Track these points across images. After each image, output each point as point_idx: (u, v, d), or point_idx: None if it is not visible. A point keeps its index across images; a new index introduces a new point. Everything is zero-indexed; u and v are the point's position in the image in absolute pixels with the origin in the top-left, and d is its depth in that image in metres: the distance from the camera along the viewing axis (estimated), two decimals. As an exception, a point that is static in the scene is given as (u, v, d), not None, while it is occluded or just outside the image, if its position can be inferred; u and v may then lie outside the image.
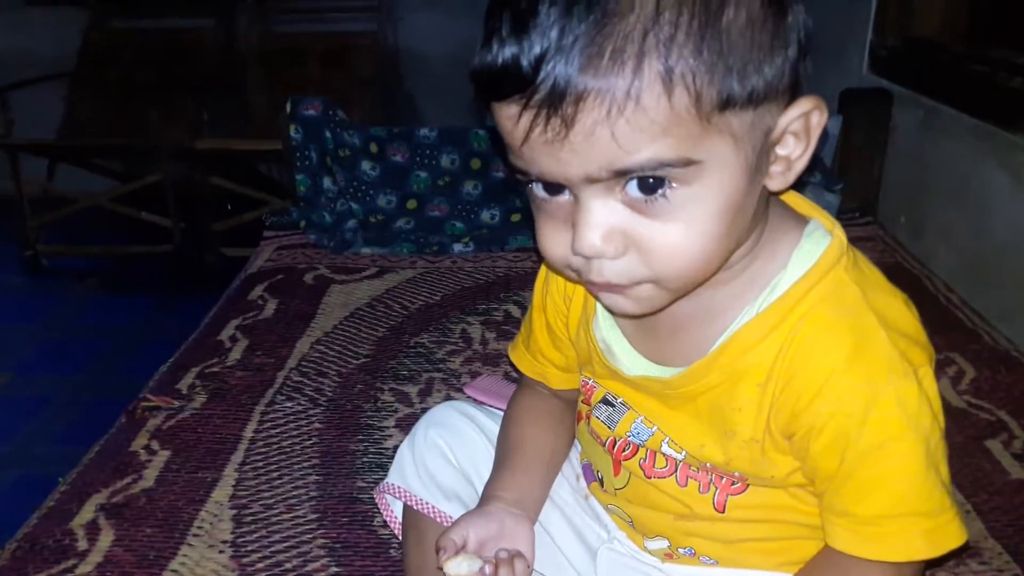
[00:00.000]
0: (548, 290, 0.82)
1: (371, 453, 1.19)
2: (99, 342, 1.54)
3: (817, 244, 0.67)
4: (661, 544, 0.77)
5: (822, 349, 0.64)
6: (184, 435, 1.24)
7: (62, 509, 1.08)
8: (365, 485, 1.12)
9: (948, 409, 0.81)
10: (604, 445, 0.78)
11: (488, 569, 0.76)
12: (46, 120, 3.12)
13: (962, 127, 1.72)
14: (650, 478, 0.75)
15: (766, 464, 0.68)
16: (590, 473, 0.85)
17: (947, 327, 1.49)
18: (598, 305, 0.76)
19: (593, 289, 0.63)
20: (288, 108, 2.01)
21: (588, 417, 0.80)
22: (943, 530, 0.65)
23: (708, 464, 0.70)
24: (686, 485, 0.73)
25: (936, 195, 1.83)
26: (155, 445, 1.22)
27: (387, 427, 1.26)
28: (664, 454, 0.73)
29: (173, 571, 0.98)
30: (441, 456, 0.93)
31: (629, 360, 0.73)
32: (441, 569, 0.78)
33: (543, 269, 0.84)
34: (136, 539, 1.03)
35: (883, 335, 0.63)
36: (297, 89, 2.75)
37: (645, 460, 0.75)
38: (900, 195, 1.97)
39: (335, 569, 0.99)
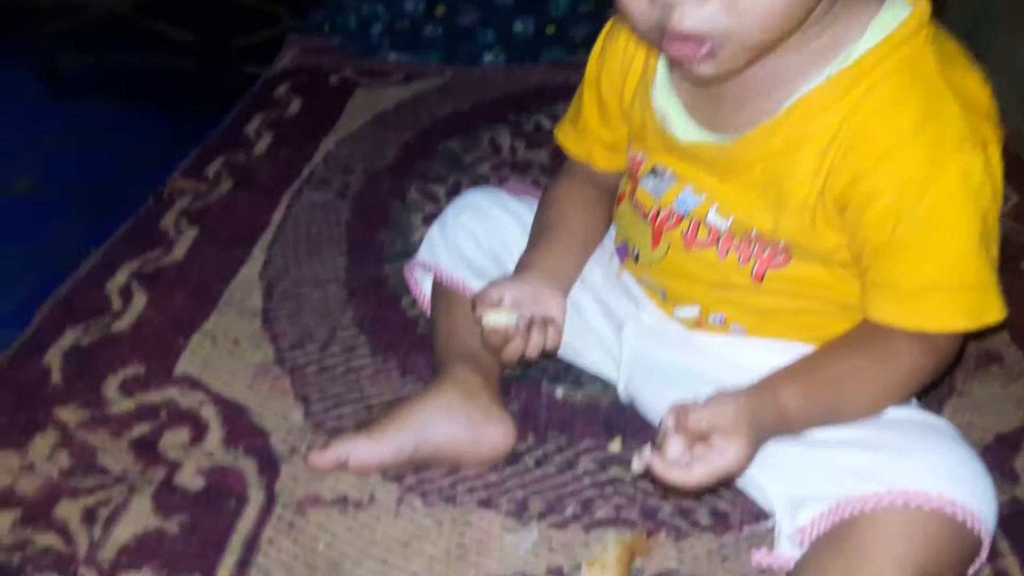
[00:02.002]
0: (604, 60, 0.80)
1: (399, 244, 1.20)
2: (121, 151, 1.51)
3: (897, 15, 0.64)
4: (691, 312, 0.78)
5: (890, 115, 0.62)
6: (212, 216, 1.24)
7: (94, 275, 1.10)
8: (392, 271, 1.13)
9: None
10: (647, 217, 0.78)
11: (522, 324, 0.78)
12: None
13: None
14: (690, 248, 0.75)
15: (814, 236, 0.68)
16: (624, 252, 0.85)
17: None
18: (658, 72, 0.74)
19: (672, 48, 0.61)
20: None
21: (633, 192, 0.80)
22: (986, 305, 0.65)
23: (754, 232, 0.70)
24: (726, 256, 0.73)
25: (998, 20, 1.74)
26: (184, 224, 1.22)
27: (415, 222, 1.26)
28: (708, 224, 0.73)
29: (205, 332, 1.01)
30: (472, 239, 0.93)
31: (685, 128, 0.72)
32: (477, 323, 0.79)
33: (599, 41, 0.81)
34: (169, 303, 1.05)
35: (955, 107, 0.62)
36: None
37: (687, 231, 0.75)
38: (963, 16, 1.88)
39: (364, 339, 1.01)
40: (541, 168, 1.42)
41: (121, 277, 1.10)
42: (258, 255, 1.16)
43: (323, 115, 1.60)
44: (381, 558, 0.74)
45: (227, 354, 0.98)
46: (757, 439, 0.63)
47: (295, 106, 1.64)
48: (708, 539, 0.76)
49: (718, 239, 0.73)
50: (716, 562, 0.74)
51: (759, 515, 0.76)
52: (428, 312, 0.98)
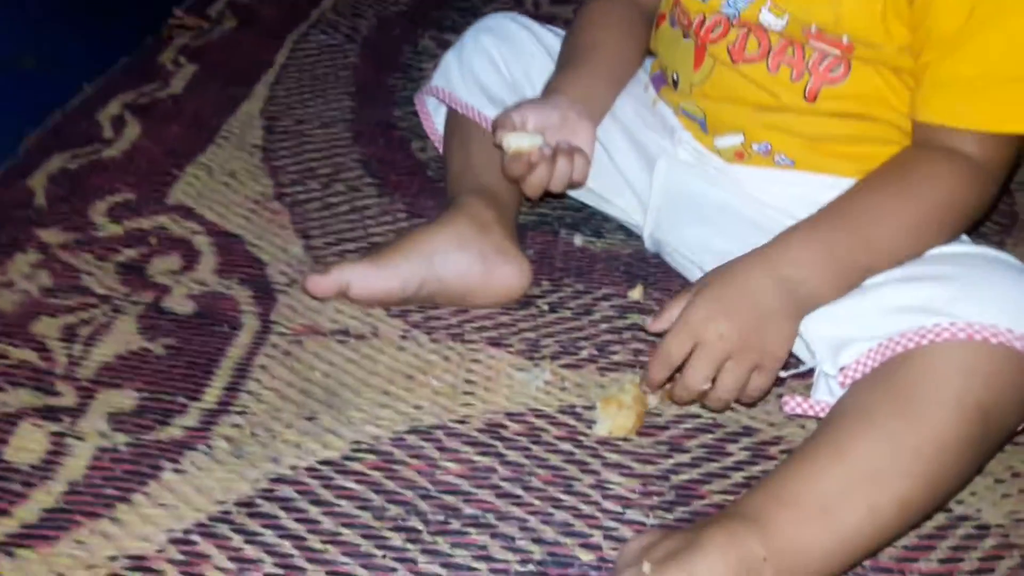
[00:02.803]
0: None
1: (409, 89, 1.12)
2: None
3: None
4: (734, 140, 0.71)
5: None
6: (213, 54, 1.16)
7: (87, 106, 1.03)
8: (402, 115, 1.06)
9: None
10: (690, 30, 0.69)
11: (547, 150, 0.71)
12: None
13: None
14: (737, 63, 0.67)
15: (879, 29, 0.60)
16: (662, 80, 0.78)
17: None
18: None
19: None
20: None
21: (676, 2, 0.71)
22: None
23: (813, 28, 0.62)
24: (777, 71, 0.65)
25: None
26: (183, 59, 1.14)
27: (426, 67, 1.17)
28: (762, 25, 0.65)
29: (202, 163, 0.94)
30: (491, 63, 0.85)
31: None
32: (497, 147, 0.72)
33: None
34: (163, 134, 0.98)
35: None
36: None
37: (735, 44, 0.67)
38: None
39: (369, 179, 0.94)
40: (565, 24, 1.33)
41: (114, 107, 1.03)
42: (260, 92, 1.09)
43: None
44: (382, 388, 0.69)
45: (223, 186, 0.91)
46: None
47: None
48: (733, 384, 0.71)
49: (769, 51, 0.65)
50: (741, 407, 0.69)
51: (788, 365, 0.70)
52: (440, 147, 0.91)
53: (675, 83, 0.75)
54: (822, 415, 0.62)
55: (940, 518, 0.60)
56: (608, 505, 0.61)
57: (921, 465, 0.52)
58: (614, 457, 0.64)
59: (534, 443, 0.65)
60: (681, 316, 0.60)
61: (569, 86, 0.77)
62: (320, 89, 1.11)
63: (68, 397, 0.65)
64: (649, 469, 0.64)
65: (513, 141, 0.71)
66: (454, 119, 0.86)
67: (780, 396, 0.67)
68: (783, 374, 0.64)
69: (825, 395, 0.62)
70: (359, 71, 1.16)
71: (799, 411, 0.63)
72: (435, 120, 0.91)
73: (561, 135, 0.73)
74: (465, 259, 0.73)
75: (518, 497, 0.61)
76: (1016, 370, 0.54)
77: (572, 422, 0.67)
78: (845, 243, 0.61)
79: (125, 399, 0.66)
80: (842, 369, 0.60)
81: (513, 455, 0.64)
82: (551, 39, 0.86)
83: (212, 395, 0.67)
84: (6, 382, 0.67)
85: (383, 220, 0.88)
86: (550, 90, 0.77)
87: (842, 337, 0.60)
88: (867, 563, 0.57)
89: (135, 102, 1.04)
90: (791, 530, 0.51)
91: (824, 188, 0.68)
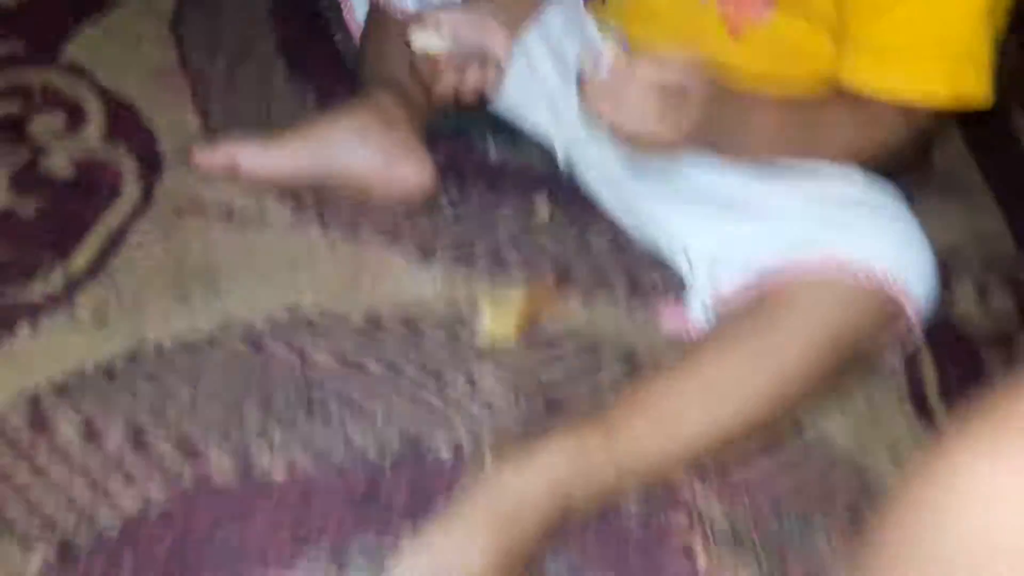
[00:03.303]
0: None
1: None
2: None
3: None
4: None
5: None
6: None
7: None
8: (329, 3, 1.00)
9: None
10: None
11: (457, 58, 0.68)
12: None
13: None
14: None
15: None
16: (588, -9, 0.75)
17: None
18: None
19: None
20: None
21: None
22: (971, 78, 0.58)
23: None
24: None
25: None
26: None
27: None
28: None
29: (102, 25, 0.88)
30: (415, -47, 0.81)
31: None
32: (407, 46, 0.69)
33: None
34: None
35: None
36: None
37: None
38: None
39: (282, 61, 0.89)
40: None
41: (13, -44, 0.95)
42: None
43: None
44: (262, 272, 0.66)
45: (124, 49, 0.86)
46: (711, 117, 0.55)
47: None
48: (619, 299, 0.71)
49: None
50: (625, 324, 0.68)
51: (678, 287, 0.70)
52: (357, 41, 0.87)
53: (603, -1, 0.73)
54: (694, 333, 0.63)
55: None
56: (475, 409, 0.60)
57: (769, 388, 0.54)
58: (490, 366, 0.64)
59: (416, 337, 0.64)
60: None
61: None
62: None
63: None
64: (524, 380, 0.63)
65: (421, 41, 0.68)
66: (374, 12, 0.82)
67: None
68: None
69: (698, 312, 0.63)
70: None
71: (672, 326, 0.64)
72: (357, 15, 0.86)
73: (475, 40, 0.70)
74: (365, 152, 0.71)
75: (387, 388, 0.60)
76: (875, 308, 0.55)
77: (456, 326, 0.66)
78: (789, 124, 0.61)
79: (-16, 255, 0.62)
80: (717, 296, 0.60)
81: (390, 345, 0.62)
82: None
83: (81, 259, 0.64)
84: None
85: (289, 105, 0.84)
86: None
87: (722, 259, 0.60)
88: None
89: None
90: (635, 432, 0.52)
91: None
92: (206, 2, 0.95)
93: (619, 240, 0.76)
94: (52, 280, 0.61)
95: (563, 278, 0.72)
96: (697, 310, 0.62)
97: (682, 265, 0.65)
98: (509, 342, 0.65)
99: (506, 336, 0.65)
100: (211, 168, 0.69)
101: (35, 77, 0.79)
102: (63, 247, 0.64)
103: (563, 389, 0.63)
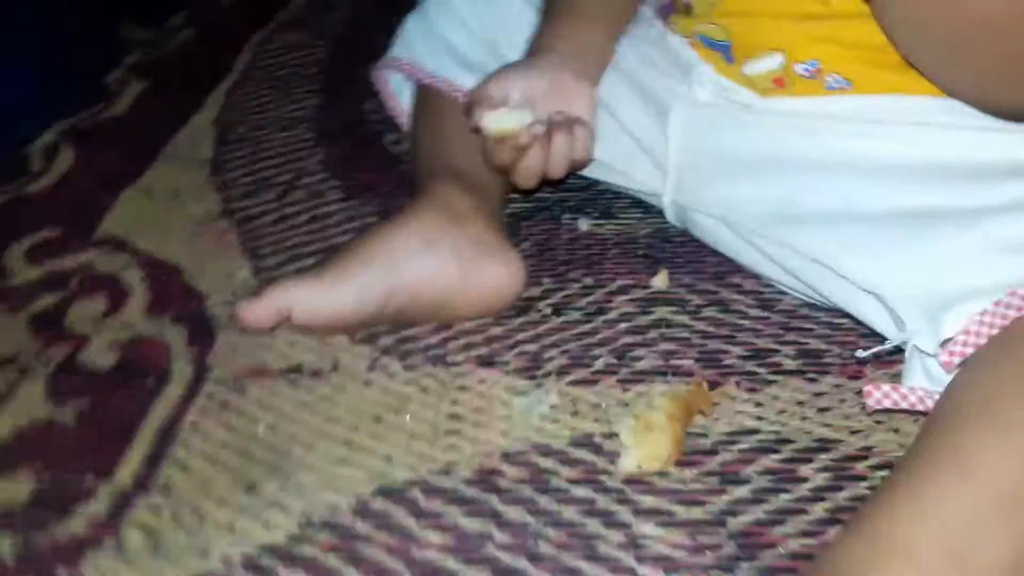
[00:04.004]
0: None
1: (384, 78, 0.97)
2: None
3: None
4: (771, 64, 0.55)
5: None
6: (166, 68, 1.03)
7: (20, 139, 0.90)
8: (374, 107, 0.91)
9: None
10: None
11: (540, 128, 0.56)
12: None
13: None
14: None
15: None
16: (670, 7, 0.62)
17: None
18: None
19: None
20: None
21: None
22: None
23: None
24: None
25: None
26: (132, 78, 1.01)
27: (404, 52, 1.02)
28: None
29: (140, 187, 0.80)
30: (459, 21, 0.70)
31: None
32: (475, 131, 0.57)
33: None
34: (100, 160, 0.85)
35: None
36: None
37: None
38: None
39: (334, 182, 0.79)
40: None
41: (48, 137, 0.90)
42: (214, 102, 0.95)
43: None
44: (343, 438, 0.53)
45: (163, 209, 0.77)
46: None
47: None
48: (797, 385, 0.54)
49: None
50: (811, 414, 0.52)
51: (868, 347, 0.53)
52: (406, 124, 0.76)
53: (688, 8, 0.59)
54: (922, 408, 0.45)
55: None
56: (646, 571, 0.44)
57: None
58: (648, 500, 0.48)
59: (541, 492, 0.49)
60: None
61: (558, 39, 0.62)
62: (282, 91, 0.97)
63: (-54, 492, 0.52)
64: (698, 513, 0.47)
65: (494, 121, 0.56)
66: (421, 93, 0.71)
67: (860, 392, 0.50)
68: (860, 353, 0.47)
69: (923, 380, 0.46)
70: (327, 68, 1.02)
71: (888, 405, 0.47)
72: (401, 98, 0.76)
73: (555, 105, 0.58)
74: (437, 260, 0.58)
75: (523, 573, 0.45)
76: None
77: (590, 457, 0.51)
78: None
79: (17, 487, 0.52)
80: (945, 344, 0.43)
81: (514, 512, 0.48)
82: (531, -20, 0.71)
83: (128, 470, 0.52)
84: None
85: (350, 227, 0.73)
86: (535, 48, 0.63)
87: (941, 294, 0.43)
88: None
89: (73, 128, 0.91)
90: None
91: (888, 115, 0.52)
92: (246, 140, 0.87)
93: (770, 304, 0.60)
94: (95, 504, 0.50)
95: (713, 367, 0.56)
96: (917, 374, 0.45)
97: (878, 318, 0.49)
98: (665, 469, 0.49)
99: (659, 460, 0.49)
100: (261, 324, 0.57)
101: (71, 262, 0.71)
102: (108, 458, 0.53)
103: (754, 516, 0.47)
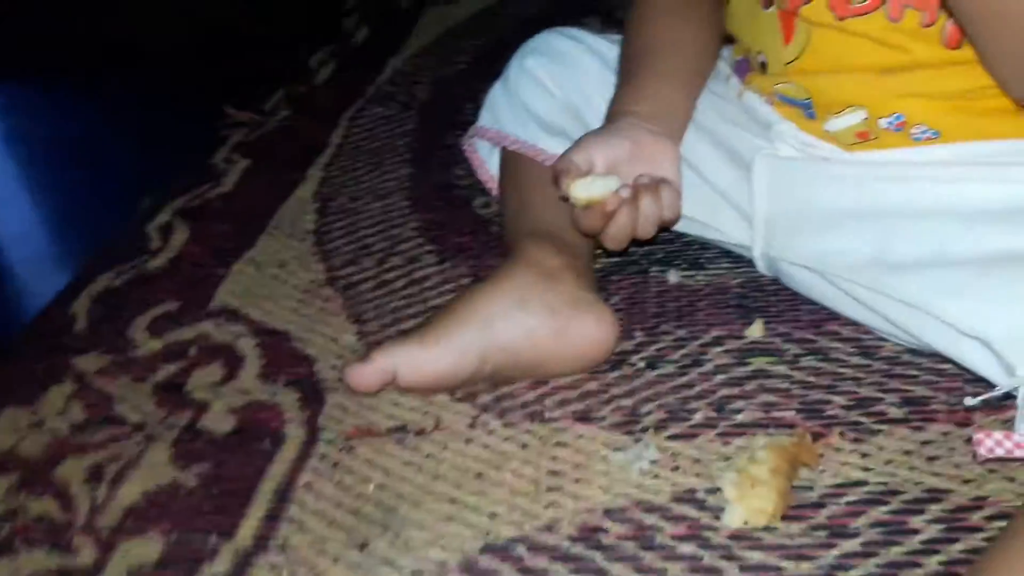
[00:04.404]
0: None
1: (472, 144, 1.01)
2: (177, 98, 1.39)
3: None
4: (853, 119, 0.55)
5: None
6: (267, 146, 1.10)
7: (138, 219, 0.97)
8: (463, 173, 0.94)
9: None
10: None
11: (626, 192, 0.57)
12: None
13: None
14: (843, 19, 0.52)
15: None
16: (745, 66, 0.63)
17: None
18: None
19: None
20: None
21: None
22: None
23: None
24: (901, 18, 0.50)
25: None
26: (236, 156, 1.08)
27: (490, 119, 1.06)
28: None
29: (250, 259, 0.85)
30: (540, 88, 0.73)
31: None
32: (563, 199, 0.59)
33: None
34: (211, 235, 0.91)
35: None
36: None
37: (836, -4, 0.52)
38: None
39: (428, 247, 0.83)
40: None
41: (164, 216, 0.96)
42: (313, 176, 1.01)
43: (391, 37, 1.43)
44: (447, 496, 0.55)
45: (271, 279, 0.82)
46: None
47: (361, 35, 1.48)
48: (903, 434, 0.53)
49: None
50: (920, 463, 0.51)
51: (975, 393, 0.52)
52: (495, 191, 0.79)
53: (763, 65, 0.60)
54: None
55: None
56: (756, 627, 0.44)
57: None
58: (756, 556, 0.48)
59: (646, 549, 0.49)
60: None
61: (636, 102, 0.64)
62: (375, 162, 1.02)
63: (86, 553, 0.55)
64: (807, 568, 0.47)
65: (582, 190, 0.57)
66: (507, 159, 0.74)
67: (970, 439, 0.49)
68: (969, 401, 0.47)
69: None
70: (416, 137, 1.07)
71: (1000, 453, 0.45)
72: (489, 166, 0.79)
73: (639, 167, 0.59)
74: (531, 318, 0.60)
75: (631, 627, 0.45)
76: None
77: (694, 513, 0.51)
78: None
79: (149, 548, 0.55)
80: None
81: (619, 569, 0.48)
82: (607, 47, 0.73)
83: (248, 530, 0.55)
84: (23, 542, 0.57)
85: (445, 289, 0.76)
86: (614, 112, 0.64)
87: None
88: None
89: (185, 206, 0.97)
90: None
91: (979, 160, 0.51)
92: (345, 210, 0.92)
93: (871, 351, 0.60)
94: (219, 563, 0.53)
95: (816, 417, 0.56)
96: (1028, 420, 0.44)
97: (984, 363, 0.48)
98: (771, 524, 0.49)
99: (764, 515, 0.49)
100: (368, 386, 0.60)
101: (189, 332, 0.76)
102: (229, 519, 0.56)
103: (866, 570, 0.46)
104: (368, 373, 0.59)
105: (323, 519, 0.55)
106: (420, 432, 0.60)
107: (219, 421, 0.65)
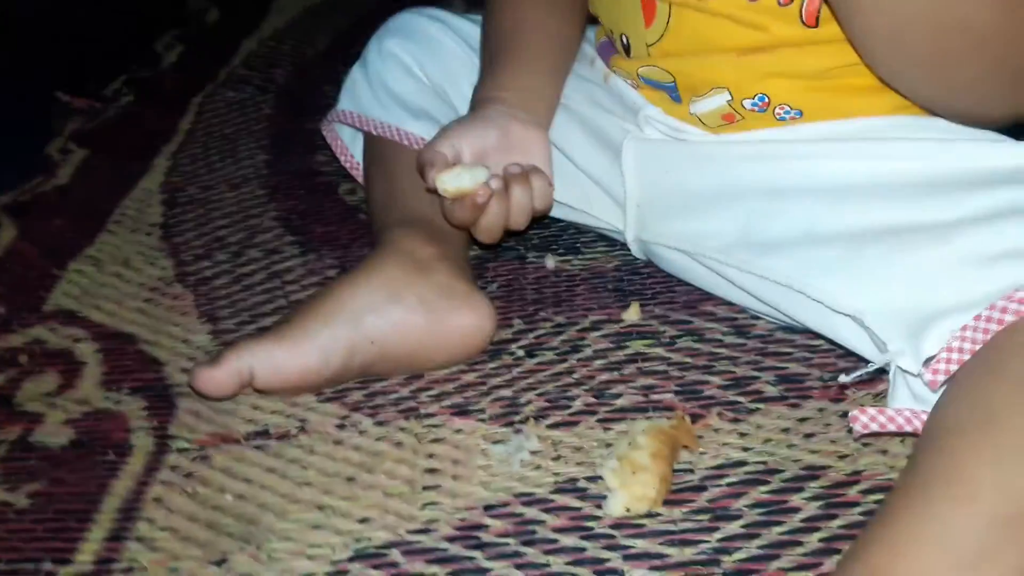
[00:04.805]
0: None
1: (334, 130, 0.96)
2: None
3: None
4: (717, 102, 0.55)
5: None
6: (107, 135, 1.01)
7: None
8: (326, 159, 0.90)
9: None
10: None
11: (496, 183, 0.55)
12: None
13: None
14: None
15: None
16: (609, 48, 0.62)
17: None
18: None
19: None
20: None
21: None
22: None
23: None
24: (760, -5, 0.49)
25: None
26: (72, 146, 0.99)
27: (352, 104, 1.01)
28: None
29: (89, 256, 0.77)
30: (403, 69, 0.70)
31: None
32: (431, 191, 0.56)
33: None
34: (44, 232, 0.82)
35: None
36: None
37: (696, -24, 0.51)
38: None
39: (290, 237, 0.78)
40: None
41: (-14, 216, 0.86)
42: (160, 165, 0.93)
43: (245, 17, 1.36)
44: (315, 503, 0.51)
45: (114, 278, 0.75)
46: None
47: (212, 15, 1.40)
48: (780, 412, 0.53)
49: None
50: (798, 440, 0.51)
51: (848, 369, 0.52)
52: (360, 179, 0.75)
53: (626, 48, 0.59)
54: (910, 429, 0.44)
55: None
56: (643, 617, 0.43)
57: None
58: (639, 544, 0.47)
59: (527, 544, 0.47)
60: None
61: (502, 88, 0.61)
62: (229, 149, 0.95)
63: None
64: (691, 553, 0.46)
65: (450, 182, 0.55)
66: (372, 144, 0.70)
67: (845, 415, 0.49)
68: (844, 378, 0.47)
69: (908, 401, 0.45)
70: (274, 122, 1.01)
71: (875, 428, 0.46)
72: (353, 151, 0.75)
73: (508, 156, 0.57)
74: (403, 311, 0.56)
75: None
76: None
77: (576, 503, 0.49)
78: None
79: (-32, 583, 0.48)
80: (928, 363, 0.42)
81: (500, 568, 0.46)
82: (471, 29, 0.70)
83: (87, 555, 0.49)
84: None
85: (309, 283, 0.71)
86: (480, 99, 0.62)
87: (920, 312, 0.43)
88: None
89: (13, 203, 0.88)
90: None
91: (843, 137, 0.52)
92: (197, 201, 0.85)
93: (746, 330, 0.60)
94: (54, 594, 0.47)
95: (694, 398, 0.55)
96: (902, 394, 0.44)
97: (856, 339, 0.48)
98: (653, 509, 0.48)
99: (647, 501, 0.48)
100: (219, 391, 0.54)
101: (18, 339, 0.68)
102: (66, 541, 0.50)
103: (748, 552, 0.45)
104: (218, 376, 0.54)
105: (176, 535, 0.50)
106: (283, 436, 0.56)
107: (54, 434, 0.58)
